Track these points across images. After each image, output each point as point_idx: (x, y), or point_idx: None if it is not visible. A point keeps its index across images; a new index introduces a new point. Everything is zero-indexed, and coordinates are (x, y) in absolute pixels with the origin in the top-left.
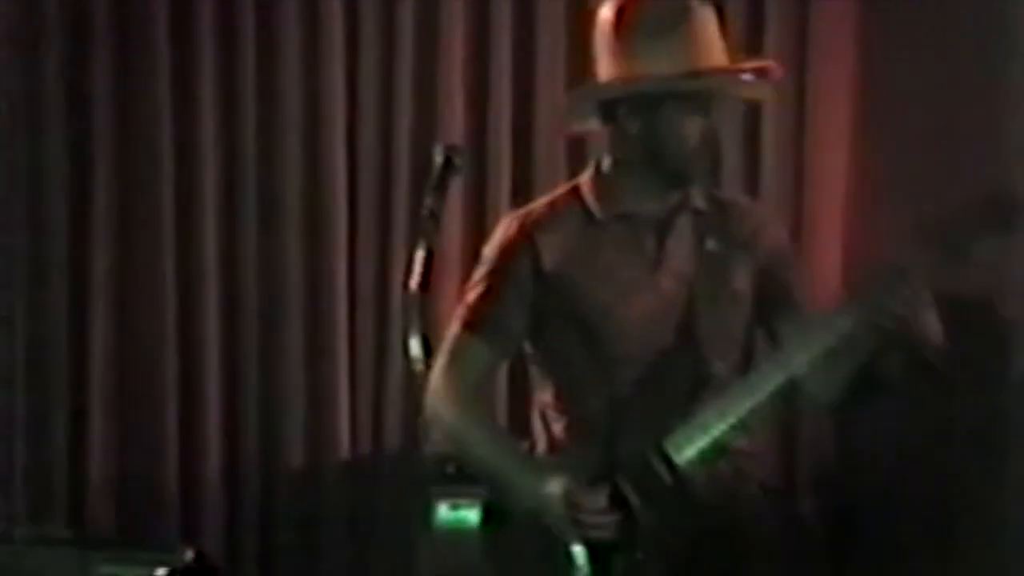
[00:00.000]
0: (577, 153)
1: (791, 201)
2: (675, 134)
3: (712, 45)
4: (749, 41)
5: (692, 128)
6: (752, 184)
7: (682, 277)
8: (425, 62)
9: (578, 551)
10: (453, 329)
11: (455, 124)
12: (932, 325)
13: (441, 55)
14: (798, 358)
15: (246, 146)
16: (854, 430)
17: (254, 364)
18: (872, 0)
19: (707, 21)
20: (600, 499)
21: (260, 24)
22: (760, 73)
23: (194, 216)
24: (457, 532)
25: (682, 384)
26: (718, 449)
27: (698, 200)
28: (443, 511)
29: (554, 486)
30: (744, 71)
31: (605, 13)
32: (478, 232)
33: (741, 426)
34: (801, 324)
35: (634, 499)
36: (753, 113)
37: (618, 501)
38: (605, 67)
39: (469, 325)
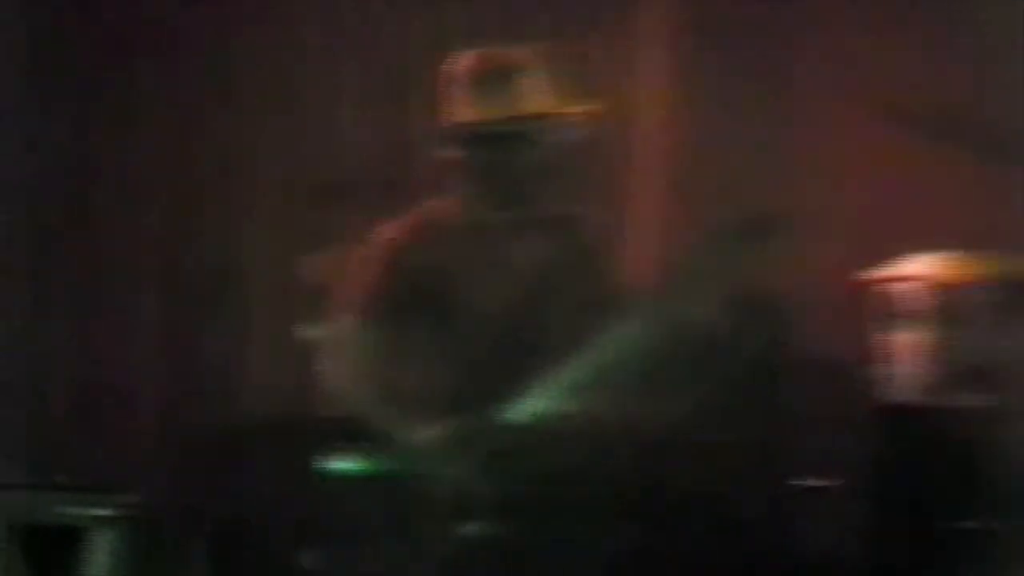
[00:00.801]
0: None
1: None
2: (503, 165)
3: (539, 92)
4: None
5: (518, 159)
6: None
7: (532, 274)
8: None
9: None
10: (345, 311)
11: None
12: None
13: None
14: (610, 341)
15: None
16: None
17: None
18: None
19: (540, 71)
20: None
21: None
22: (585, 115)
23: None
24: (348, 481)
25: (531, 362)
26: (556, 408)
27: (541, 212)
28: (334, 463)
29: (429, 440)
30: (562, 115)
31: (457, 62)
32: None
33: (578, 391)
34: (625, 310)
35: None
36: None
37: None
38: (456, 108)
39: (361, 307)
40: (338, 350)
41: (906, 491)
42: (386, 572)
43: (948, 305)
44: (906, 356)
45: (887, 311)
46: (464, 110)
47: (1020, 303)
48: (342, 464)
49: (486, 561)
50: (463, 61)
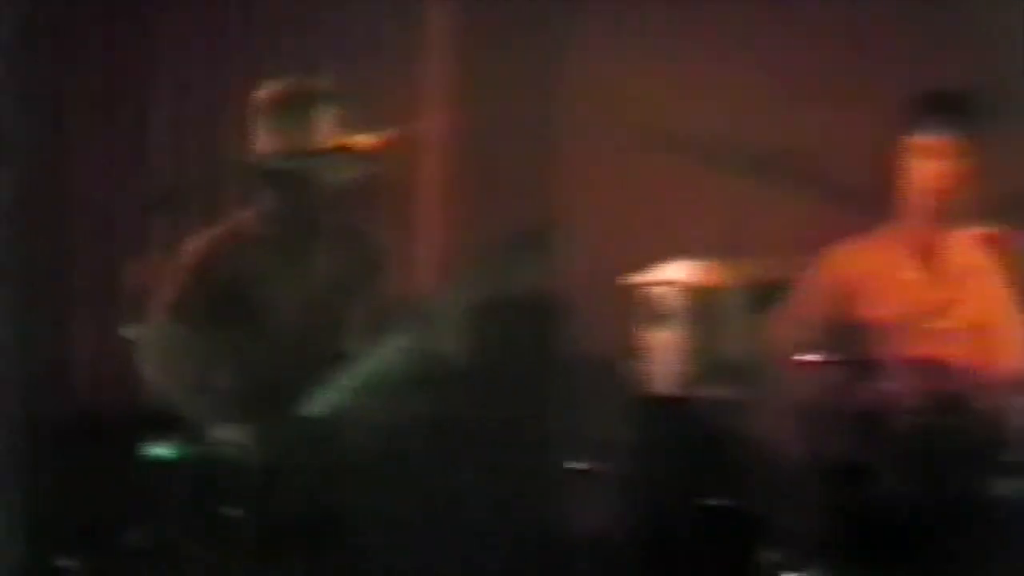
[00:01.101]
0: None
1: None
2: (296, 189)
3: (330, 124)
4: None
5: (310, 186)
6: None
7: (323, 281)
8: None
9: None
10: (158, 312)
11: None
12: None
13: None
14: (396, 340)
15: None
16: None
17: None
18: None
19: (333, 103)
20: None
21: None
22: (372, 146)
23: None
24: (165, 466)
25: (321, 361)
26: (347, 401)
27: (332, 228)
28: (153, 450)
29: (231, 430)
30: (351, 148)
31: (261, 92)
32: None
33: (364, 384)
34: (404, 314)
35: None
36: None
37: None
38: (258, 136)
39: (170, 309)
40: (150, 348)
41: (663, 473)
42: (198, 551)
43: (701, 306)
44: (664, 352)
45: (648, 311)
46: (264, 139)
47: (764, 304)
48: (160, 451)
49: (288, 540)
50: (265, 92)
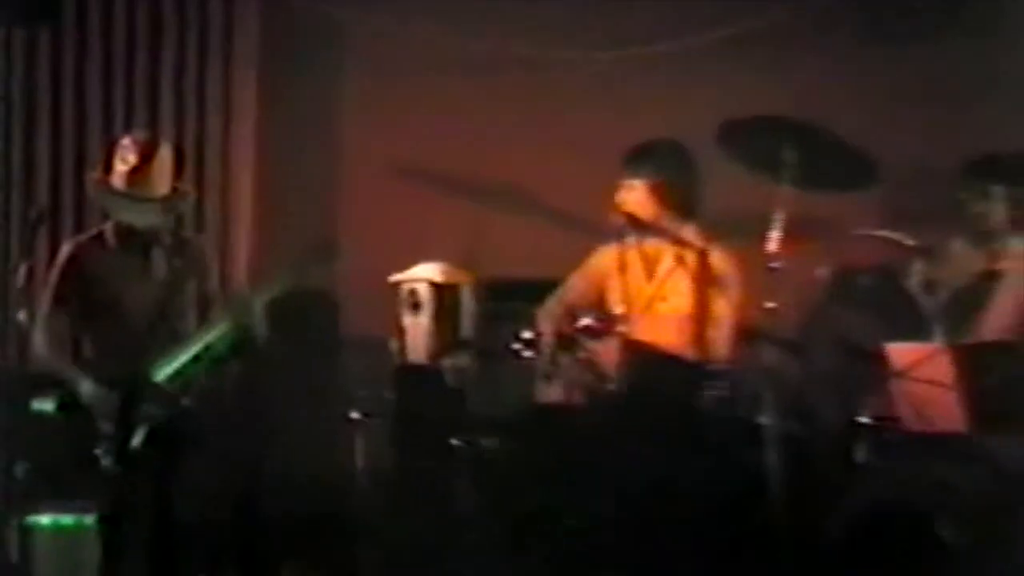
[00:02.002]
0: None
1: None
2: (135, 218)
3: (162, 173)
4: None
5: (146, 214)
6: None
7: (161, 279)
8: None
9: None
10: (41, 302)
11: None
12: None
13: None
14: (219, 323)
15: None
16: None
17: None
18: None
19: (165, 155)
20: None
21: None
22: (188, 192)
23: None
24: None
25: (163, 339)
26: (183, 374)
27: (165, 239)
28: (38, 406)
29: (95, 391)
30: (176, 192)
31: (116, 141)
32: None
33: (194, 356)
34: (225, 303)
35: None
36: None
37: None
38: (112, 174)
39: (49, 300)
40: (36, 328)
41: (419, 420)
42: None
43: (445, 298)
44: (418, 333)
45: (407, 302)
46: (116, 177)
47: (493, 298)
48: (42, 405)
49: (137, 474)
50: (120, 141)
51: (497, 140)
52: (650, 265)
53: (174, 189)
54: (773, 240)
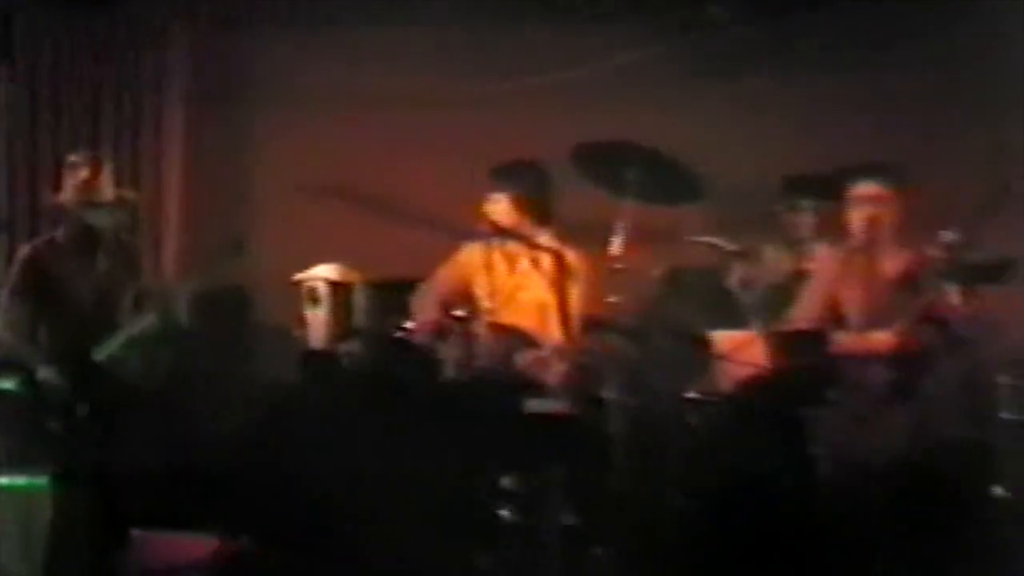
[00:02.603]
0: None
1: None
2: (84, 219)
3: (107, 185)
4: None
5: (94, 218)
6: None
7: (103, 276)
8: None
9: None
10: (3, 296)
11: None
12: None
13: None
14: (149, 313)
15: None
16: None
17: None
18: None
19: (107, 171)
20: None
21: None
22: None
23: None
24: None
25: (103, 327)
26: (120, 356)
27: (109, 242)
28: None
29: (48, 371)
30: (119, 199)
31: (68, 161)
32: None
33: (129, 342)
34: (154, 296)
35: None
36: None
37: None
38: (65, 190)
39: (10, 294)
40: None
41: (317, 396)
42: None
43: (340, 294)
44: (317, 323)
45: (308, 297)
46: (69, 192)
47: (380, 295)
48: (2, 384)
49: (82, 441)
50: (70, 159)
51: (385, 160)
52: (511, 263)
53: (118, 198)
54: (617, 245)
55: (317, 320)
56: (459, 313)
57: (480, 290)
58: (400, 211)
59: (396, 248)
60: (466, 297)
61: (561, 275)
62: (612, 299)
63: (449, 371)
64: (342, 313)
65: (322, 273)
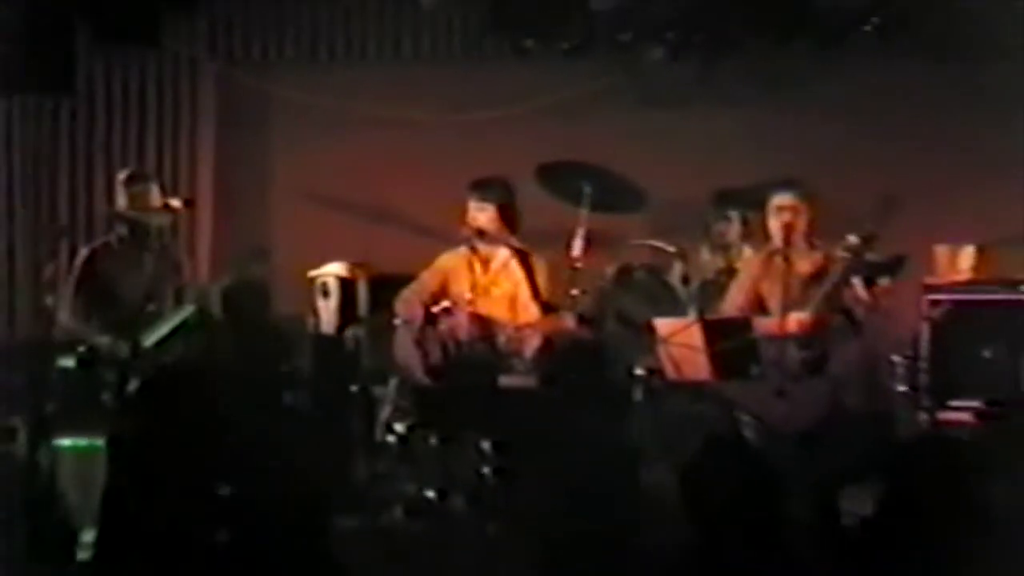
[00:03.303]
0: None
1: None
2: (135, 227)
3: (153, 194)
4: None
5: (142, 225)
6: None
7: (149, 275)
8: None
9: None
10: (66, 287)
11: None
12: None
13: None
14: (187, 307)
15: None
16: None
17: None
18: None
19: (152, 182)
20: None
21: None
22: (174, 207)
23: None
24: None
25: (149, 317)
26: (164, 343)
27: (154, 245)
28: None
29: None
30: (165, 207)
31: (119, 173)
32: None
33: (171, 330)
34: (192, 292)
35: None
36: None
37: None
38: (118, 198)
39: (72, 286)
40: (63, 305)
41: (321, 371)
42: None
43: (345, 287)
44: (328, 312)
45: (321, 290)
46: (121, 200)
47: (382, 289)
48: (66, 362)
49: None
50: (123, 174)
51: (384, 175)
52: (485, 264)
53: (164, 205)
54: (577, 248)
55: (328, 310)
56: (445, 304)
57: (458, 288)
58: (397, 218)
59: (394, 249)
60: (446, 295)
61: (529, 272)
62: (573, 292)
63: (436, 353)
64: (348, 304)
65: (332, 270)
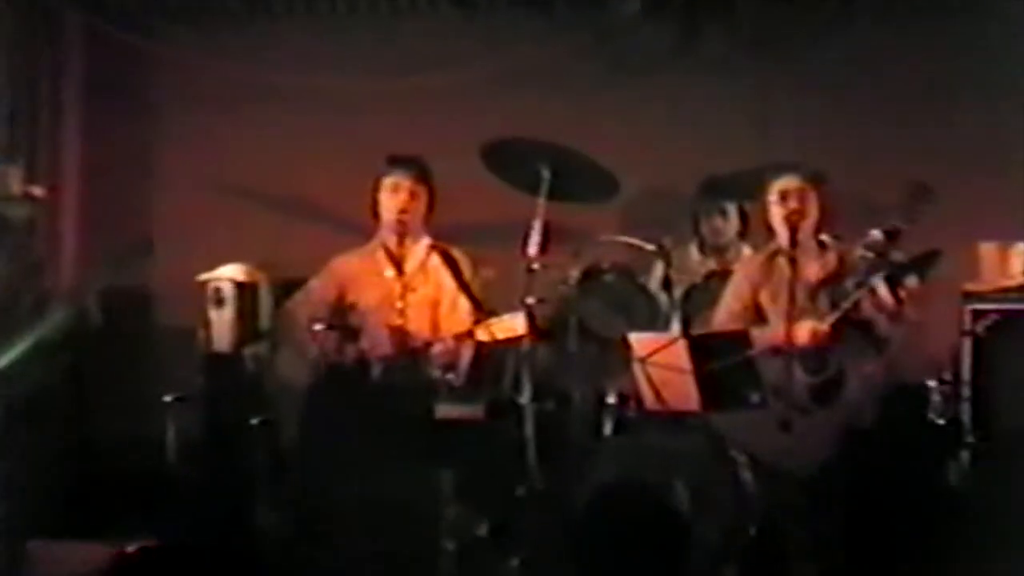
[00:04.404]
0: None
1: None
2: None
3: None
4: None
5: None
6: None
7: (4, 278)
8: None
9: None
10: None
11: None
12: None
13: None
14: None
15: None
16: None
17: None
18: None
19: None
20: None
21: None
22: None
23: None
24: None
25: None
26: (22, 361)
27: (8, 243)
28: None
29: None
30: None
31: None
32: None
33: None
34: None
35: None
36: None
37: None
38: None
39: None
40: None
41: (224, 397)
42: None
43: (244, 294)
44: (222, 324)
45: (213, 297)
46: None
47: (284, 294)
48: None
49: None
50: None
51: (289, 159)
52: (399, 263)
53: (24, 193)
54: (532, 245)
55: (222, 322)
56: (317, 327)
57: (365, 296)
58: (309, 209)
59: (305, 248)
60: (347, 306)
61: (456, 270)
62: (528, 300)
63: (354, 375)
64: (248, 315)
65: (227, 273)
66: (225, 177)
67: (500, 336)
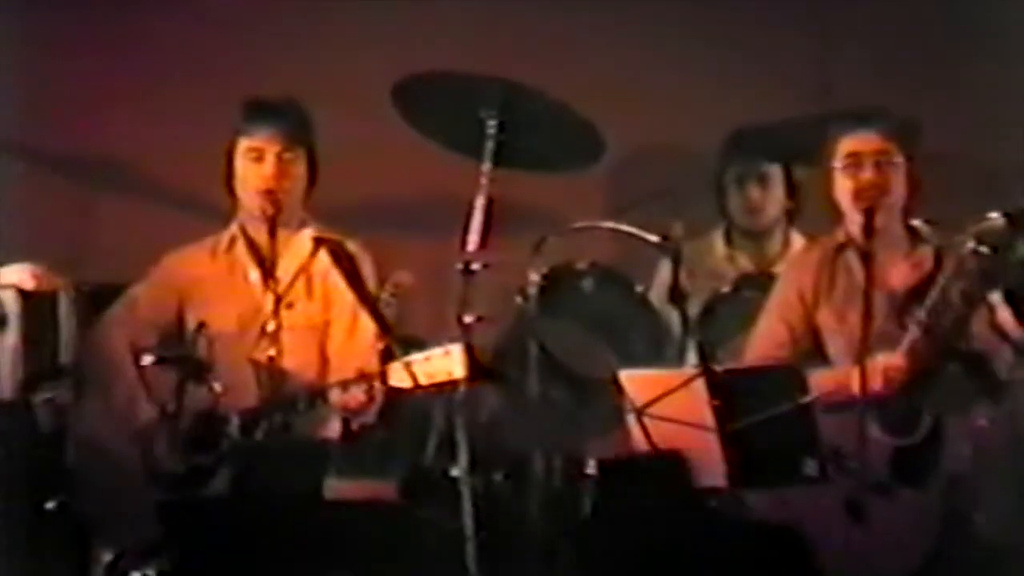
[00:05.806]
0: None
1: None
2: None
3: None
4: None
5: None
6: None
7: None
8: None
9: None
10: None
11: None
12: None
13: None
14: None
15: None
16: None
17: None
18: None
19: None
20: None
21: None
22: None
23: None
24: None
25: None
26: None
27: None
28: None
29: None
30: None
31: None
32: None
33: None
34: None
35: None
36: None
37: None
38: None
39: None
40: None
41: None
42: None
43: (37, 309)
44: (2, 357)
45: None
46: None
47: (98, 307)
48: None
49: None
50: None
51: (95, 107)
52: (266, 264)
53: None
54: (474, 235)
55: (1, 351)
56: (145, 361)
57: (215, 313)
58: (131, 181)
59: (121, 237)
60: (181, 330)
61: (353, 277)
62: (467, 319)
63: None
64: (41, 340)
65: (10, 279)
66: (7, 132)
67: (424, 380)
